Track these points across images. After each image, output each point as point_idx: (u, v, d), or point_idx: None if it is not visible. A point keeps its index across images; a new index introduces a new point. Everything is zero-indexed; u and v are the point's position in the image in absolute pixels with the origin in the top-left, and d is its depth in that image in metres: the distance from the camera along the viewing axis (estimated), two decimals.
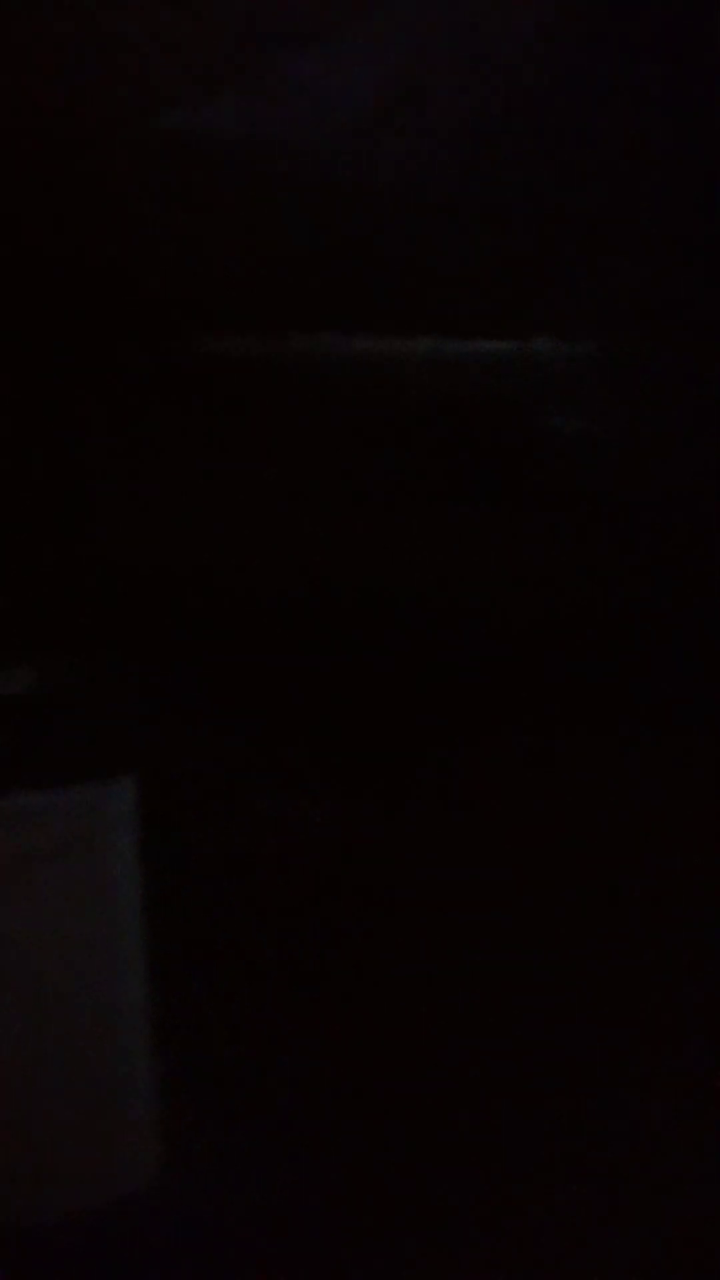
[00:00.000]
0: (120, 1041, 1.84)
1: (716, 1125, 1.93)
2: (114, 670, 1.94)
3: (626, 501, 2.45)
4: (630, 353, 2.47)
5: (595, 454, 2.48)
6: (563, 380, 2.49)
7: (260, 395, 2.37)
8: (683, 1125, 1.93)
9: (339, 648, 2.32)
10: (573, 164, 2.30)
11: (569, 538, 2.43)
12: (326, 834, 2.17)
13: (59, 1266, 1.77)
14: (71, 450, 2.28)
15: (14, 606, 2.08)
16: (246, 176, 2.18)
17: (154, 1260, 1.80)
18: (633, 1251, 1.78)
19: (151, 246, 2.25)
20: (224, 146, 2.16)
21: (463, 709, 2.35)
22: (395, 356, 2.41)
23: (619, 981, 2.09)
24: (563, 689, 2.36)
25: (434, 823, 2.23)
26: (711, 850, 2.20)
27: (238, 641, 2.24)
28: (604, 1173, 1.89)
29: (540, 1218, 1.83)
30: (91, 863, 1.80)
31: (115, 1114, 1.84)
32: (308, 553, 2.37)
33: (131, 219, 2.21)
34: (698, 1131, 1.92)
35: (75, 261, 2.21)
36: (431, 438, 2.43)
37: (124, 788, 1.81)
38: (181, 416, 2.34)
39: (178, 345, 2.33)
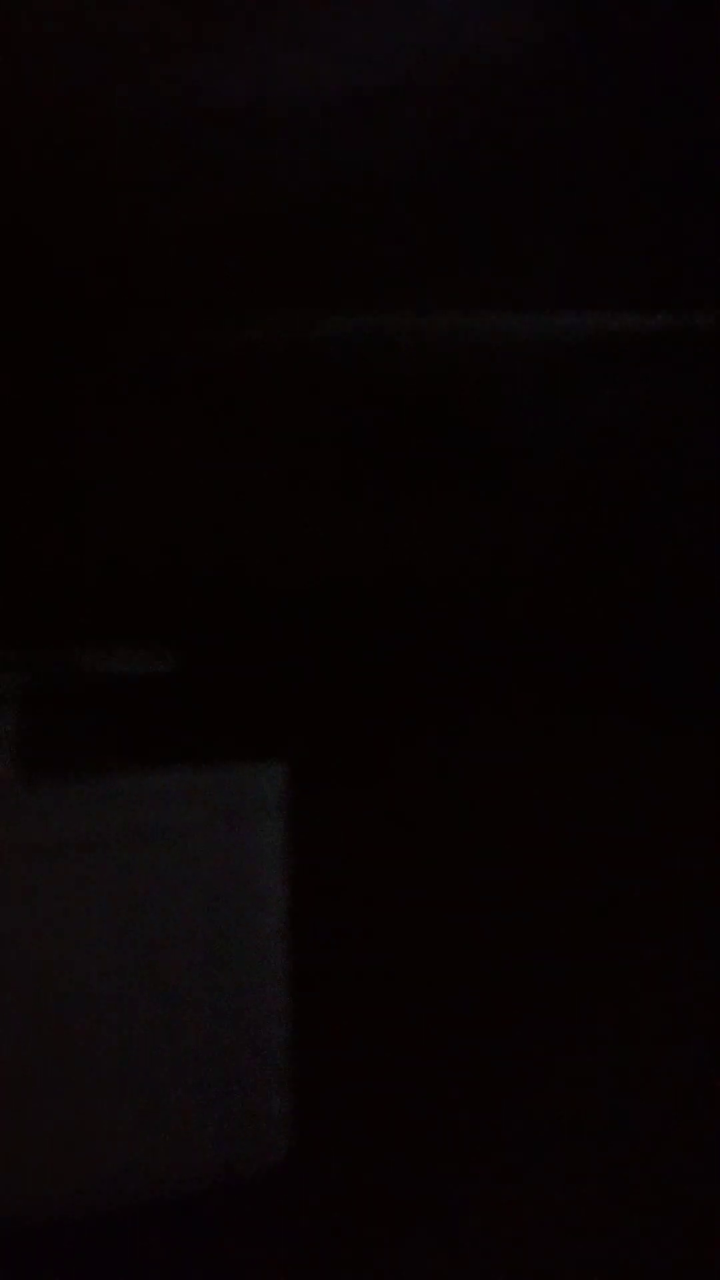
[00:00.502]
0: (253, 1012, 1.85)
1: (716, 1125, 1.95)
2: (266, 657, 1.93)
3: (648, 484, 2.45)
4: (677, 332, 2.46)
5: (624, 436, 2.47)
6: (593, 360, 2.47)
7: (319, 375, 2.34)
8: (683, 1125, 1.96)
9: (462, 638, 2.32)
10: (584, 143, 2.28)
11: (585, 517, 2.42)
12: (469, 820, 2.18)
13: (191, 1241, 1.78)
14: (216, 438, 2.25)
15: (165, 589, 2.07)
16: (252, 156, 2.14)
17: (282, 1236, 1.81)
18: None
19: (158, 231, 2.21)
20: (229, 127, 2.12)
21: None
22: (414, 334, 2.38)
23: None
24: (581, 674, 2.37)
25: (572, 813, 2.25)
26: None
27: (384, 631, 2.23)
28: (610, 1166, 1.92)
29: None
30: (239, 839, 1.81)
31: (245, 1080, 1.85)
32: (438, 549, 2.36)
33: (136, 206, 2.17)
34: (698, 1132, 1.95)
35: (75, 245, 2.17)
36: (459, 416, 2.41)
37: (274, 770, 1.80)
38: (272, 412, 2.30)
39: (204, 328, 2.29)
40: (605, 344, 2.46)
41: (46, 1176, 1.78)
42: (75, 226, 2.18)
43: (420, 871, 2.20)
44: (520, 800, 2.29)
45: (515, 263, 2.40)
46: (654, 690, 2.40)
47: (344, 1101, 1.95)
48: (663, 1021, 2.06)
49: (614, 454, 2.45)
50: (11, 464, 2.14)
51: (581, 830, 2.32)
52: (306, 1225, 1.80)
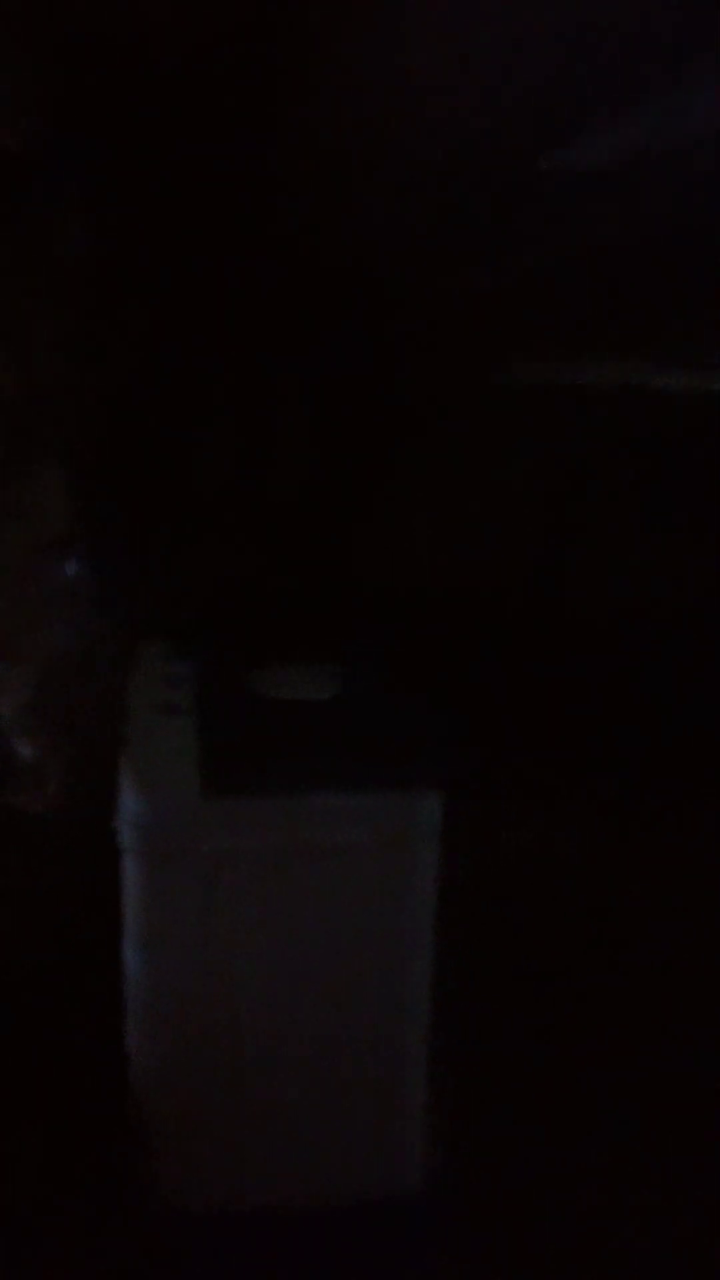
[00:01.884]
0: (400, 1035, 1.91)
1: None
2: (427, 690, 2.00)
3: None
4: None
5: None
6: None
7: (583, 422, 2.40)
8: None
9: (631, 677, 2.35)
10: None
11: None
12: (615, 863, 2.22)
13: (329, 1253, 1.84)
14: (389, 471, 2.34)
15: (324, 617, 2.16)
16: (618, 208, 2.19)
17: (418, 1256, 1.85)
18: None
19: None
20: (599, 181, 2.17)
21: None
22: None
23: None
24: None
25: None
26: None
27: (546, 670, 2.29)
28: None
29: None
30: (396, 863, 1.87)
31: (389, 1104, 1.91)
32: (613, 581, 2.40)
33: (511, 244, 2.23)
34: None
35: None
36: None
37: (432, 800, 1.87)
38: (500, 440, 2.37)
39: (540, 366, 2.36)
40: None
41: (210, 1174, 1.87)
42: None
43: (573, 904, 2.23)
44: (691, 854, 2.30)
45: None
46: None
47: (480, 1132, 1.99)
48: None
49: None
50: (203, 487, 2.25)
51: None
52: (451, 1245, 1.85)
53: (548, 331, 2.39)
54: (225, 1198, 1.88)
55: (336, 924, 1.87)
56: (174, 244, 2.12)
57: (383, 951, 1.89)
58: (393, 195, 2.11)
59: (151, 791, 1.82)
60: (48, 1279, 1.76)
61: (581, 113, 2.02)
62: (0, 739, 2.09)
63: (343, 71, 1.93)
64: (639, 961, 2.20)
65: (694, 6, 1.88)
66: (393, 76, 1.89)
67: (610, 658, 2.35)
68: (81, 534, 2.06)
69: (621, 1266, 1.82)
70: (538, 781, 2.26)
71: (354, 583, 2.28)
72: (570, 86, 1.97)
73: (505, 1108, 2.03)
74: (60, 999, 2.00)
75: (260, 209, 2.13)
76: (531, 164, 2.13)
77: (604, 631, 2.38)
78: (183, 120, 1.97)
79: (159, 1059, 1.87)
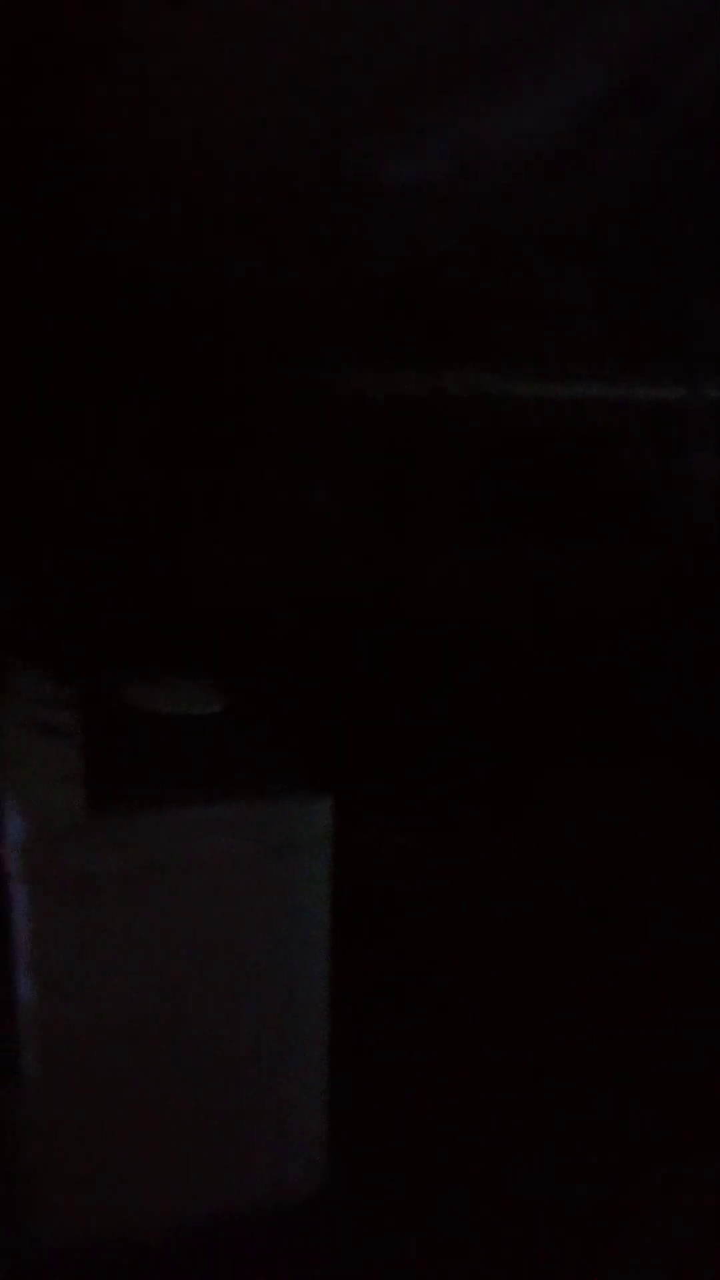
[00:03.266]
0: (294, 1048, 1.91)
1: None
2: (309, 696, 2.00)
3: None
4: None
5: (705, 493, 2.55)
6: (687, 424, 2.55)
7: (422, 431, 2.43)
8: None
9: (511, 674, 2.37)
10: None
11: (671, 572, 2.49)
12: (508, 859, 2.23)
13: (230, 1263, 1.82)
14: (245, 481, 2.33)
15: (205, 631, 2.15)
16: (408, 222, 2.22)
17: (318, 1263, 1.85)
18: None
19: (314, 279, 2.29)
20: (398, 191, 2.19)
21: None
22: (544, 398, 2.47)
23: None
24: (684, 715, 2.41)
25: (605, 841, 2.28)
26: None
27: (427, 668, 2.30)
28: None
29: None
30: (286, 871, 1.87)
31: (284, 1109, 1.91)
32: (468, 584, 2.43)
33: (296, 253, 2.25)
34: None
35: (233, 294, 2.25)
36: (570, 478, 2.49)
37: (320, 806, 1.87)
38: (347, 450, 2.39)
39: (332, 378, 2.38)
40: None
41: (101, 1198, 1.85)
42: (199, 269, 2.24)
43: (459, 907, 2.24)
44: (567, 842, 2.33)
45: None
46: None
47: (381, 1130, 1.99)
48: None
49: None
50: (68, 502, 2.23)
51: (628, 873, 2.35)
52: (341, 1253, 1.84)
53: (387, 341, 2.40)
54: (115, 1220, 1.86)
55: (228, 936, 1.85)
56: None
57: (275, 961, 1.88)
58: (217, 202, 2.10)
59: (35, 814, 1.79)
60: None
61: (410, 123, 2.04)
62: None
63: (164, 79, 1.92)
64: (527, 962, 2.22)
65: (518, 21, 1.91)
66: (214, 82, 1.89)
67: (456, 664, 2.37)
68: None
69: (515, 1273, 1.83)
70: (423, 786, 2.27)
71: (215, 596, 2.27)
72: (398, 97, 1.99)
73: (401, 1115, 2.03)
74: None
75: (80, 215, 2.11)
76: (361, 173, 2.15)
77: (449, 638, 2.41)
78: None
79: (50, 1084, 1.84)
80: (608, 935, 2.26)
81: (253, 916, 1.86)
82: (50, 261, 2.15)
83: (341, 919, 1.88)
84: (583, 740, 2.43)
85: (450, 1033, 2.12)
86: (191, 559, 2.28)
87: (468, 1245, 1.85)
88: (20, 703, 2.06)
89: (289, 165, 2.07)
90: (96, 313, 2.21)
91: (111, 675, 2.09)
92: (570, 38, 2.06)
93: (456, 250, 2.25)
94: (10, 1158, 1.83)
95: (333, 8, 1.89)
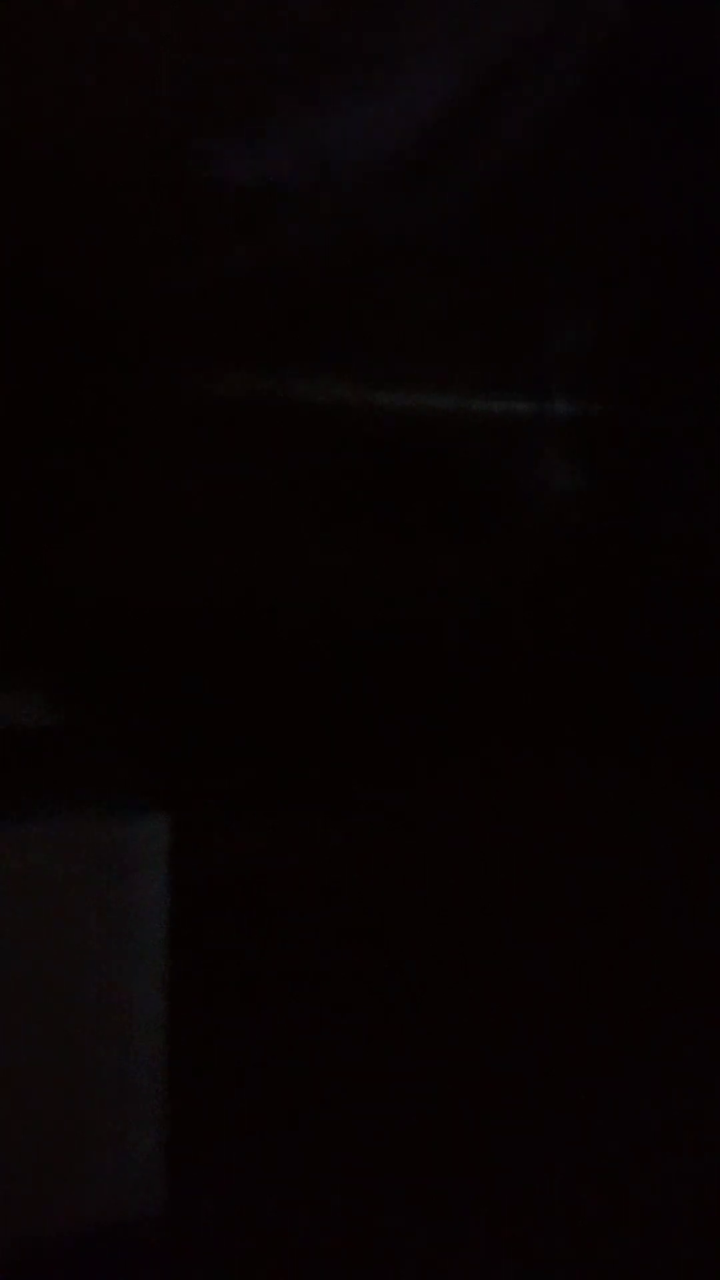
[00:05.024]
0: (131, 1070, 1.87)
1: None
2: (141, 706, 1.97)
3: (609, 552, 2.52)
4: (617, 413, 2.54)
5: (577, 508, 2.55)
6: (548, 438, 2.56)
7: (268, 437, 2.41)
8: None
9: (347, 682, 2.37)
10: (572, 223, 2.36)
11: (550, 586, 2.49)
12: (351, 870, 2.21)
13: None
14: (92, 481, 2.30)
15: (34, 640, 2.11)
16: (253, 223, 2.21)
17: None
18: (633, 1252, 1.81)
19: (160, 286, 2.27)
20: (238, 192, 2.18)
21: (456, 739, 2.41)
22: (384, 407, 2.47)
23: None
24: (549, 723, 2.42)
25: (448, 846, 2.28)
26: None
27: (263, 678, 2.28)
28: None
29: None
30: (118, 891, 1.83)
31: (122, 1142, 1.87)
32: (313, 591, 2.42)
33: (139, 254, 2.23)
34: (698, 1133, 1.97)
35: (76, 295, 2.23)
36: (418, 488, 2.49)
37: (156, 820, 1.83)
38: (186, 454, 2.37)
39: (178, 383, 2.36)
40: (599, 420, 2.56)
41: None
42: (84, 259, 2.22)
43: (300, 919, 2.23)
44: (414, 849, 2.33)
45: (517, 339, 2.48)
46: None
47: (221, 1152, 1.97)
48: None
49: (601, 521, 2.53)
50: None
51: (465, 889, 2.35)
52: (180, 1276, 1.81)
53: (251, 346, 2.38)
54: None
55: (60, 955, 1.81)
56: None
57: (109, 981, 1.83)
58: (50, 200, 2.07)
59: None
60: None
61: (255, 122, 2.02)
62: None
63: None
64: (377, 973, 2.21)
65: (369, 21, 1.89)
66: (47, 77, 1.86)
67: (302, 673, 2.36)
68: None
69: None
70: (264, 796, 2.25)
71: (58, 602, 2.24)
72: (244, 94, 1.97)
73: (243, 1135, 2.01)
74: None
75: None
76: (204, 172, 2.12)
77: (295, 646, 2.40)
78: None
79: None
80: (458, 939, 2.25)
81: (86, 935, 1.81)
82: None
83: (183, 935, 1.85)
84: (435, 744, 2.42)
85: (295, 1050, 2.10)
86: (24, 564, 2.25)
87: (310, 1266, 1.83)
88: None
89: (128, 161, 2.04)
90: None
91: None
92: (422, 40, 2.05)
93: (308, 254, 2.23)
94: None
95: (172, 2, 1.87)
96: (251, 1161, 1.96)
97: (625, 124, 2.26)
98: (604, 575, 2.52)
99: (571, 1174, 1.94)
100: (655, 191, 2.31)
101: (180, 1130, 1.86)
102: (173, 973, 1.82)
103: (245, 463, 2.38)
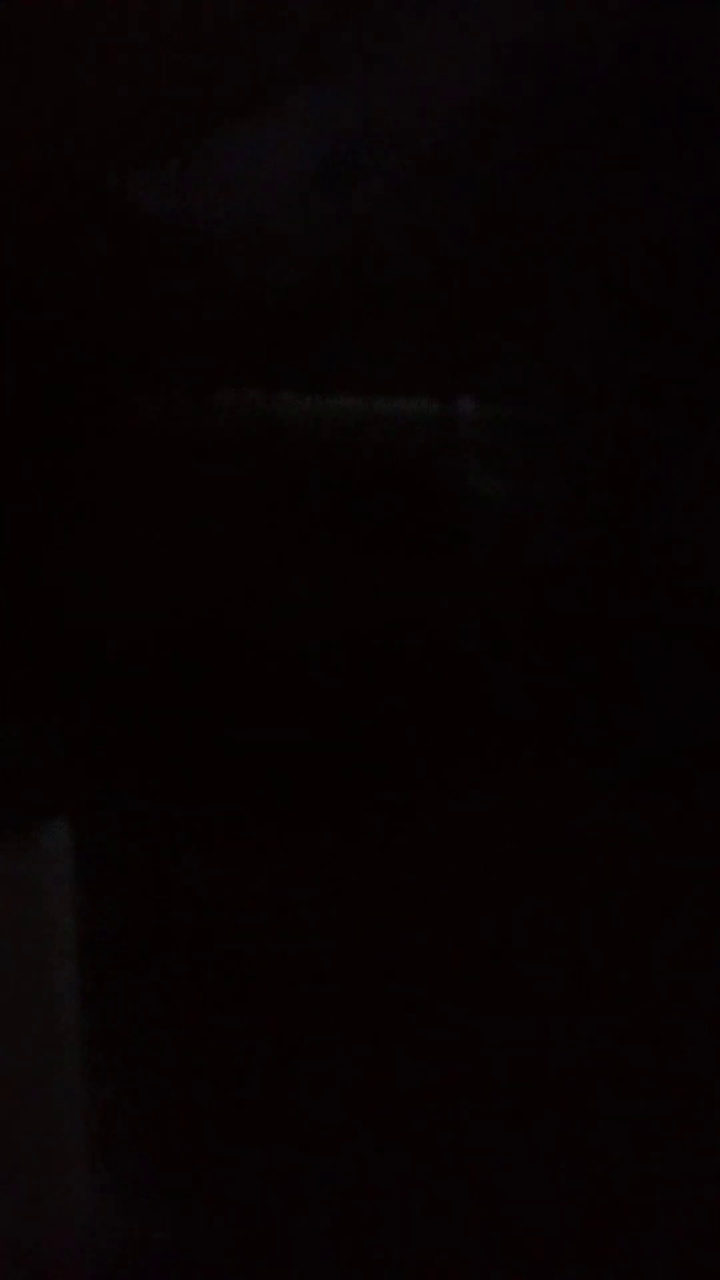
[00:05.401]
0: (49, 1082, 1.85)
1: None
2: (39, 711, 1.95)
3: (541, 563, 2.52)
4: (552, 418, 2.55)
5: (513, 516, 2.55)
6: (483, 443, 2.56)
7: (198, 447, 2.41)
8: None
9: (268, 692, 2.36)
10: (502, 228, 2.36)
11: (486, 596, 2.49)
12: (264, 873, 2.19)
13: None
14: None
15: None
16: (179, 244, 2.21)
17: None
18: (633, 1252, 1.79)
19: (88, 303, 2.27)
20: (157, 215, 2.19)
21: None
22: (322, 415, 2.47)
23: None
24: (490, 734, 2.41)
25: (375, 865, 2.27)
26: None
27: (166, 681, 2.27)
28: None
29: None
30: (23, 902, 1.81)
31: (42, 1161, 1.85)
32: (233, 600, 2.41)
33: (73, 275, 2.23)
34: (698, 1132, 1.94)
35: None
36: (349, 495, 2.48)
37: (56, 828, 1.82)
38: (117, 465, 2.37)
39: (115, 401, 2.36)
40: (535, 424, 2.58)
41: None
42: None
43: (215, 923, 2.21)
44: (348, 862, 2.31)
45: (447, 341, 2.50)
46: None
47: (145, 1169, 1.94)
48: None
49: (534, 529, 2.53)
50: None
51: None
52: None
53: (182, 362, 2.38)
54: None
55: None
56: None
57: (21, 988, 1.83)
58: None
59: None
60: None
61: (165, 147, 2.03)
62: None
63: None
64: (292, 981, 2.18)
65: (275, 52, 1.90)
66: None
67: (237, 682, 2.35)
68: None
69: None
70: (168, 802, 2.23)
71: None
72: (156, 123, 1.97)
73: (173, 1145, 1.98)
74: None
75: None
76: (121, 196, 2.13)
77: (226, 655, 2.39)
78: None
79: None
80: (386, 950, 2.23)
81: None
82: None
83: (100, 942, 1.84)
84: (372, 757, 2.41)
85: (213, 1053, 2.08)
86: None
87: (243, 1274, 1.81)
88: None
89: (48, 190, 2.05)
90: None
91: None
92: (331, 70, 2.07)
93: (239, 268, 2.24)
94: None
95: (80, 31, 1.87)
96: (174, 1167, 1.94)
97: (568, 135, 2.27)
98: (562, 583, 2.52)
99: (549, 1189, 1.93)
100: (608, 197, 2.33)
101: (110, 1140, 1.85)
102: (82, 977, 1.81)
103: (195, 474, 2.39)
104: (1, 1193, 1.83)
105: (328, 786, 2.37)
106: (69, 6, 1.92)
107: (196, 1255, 1.83)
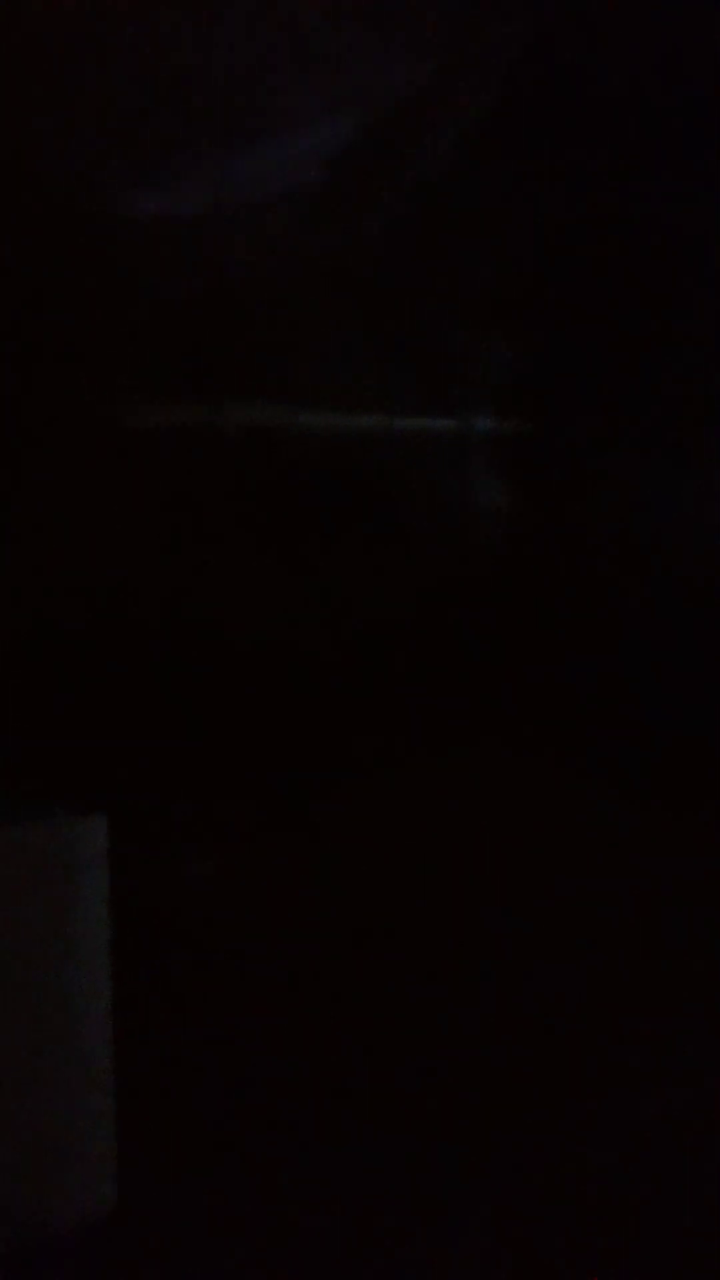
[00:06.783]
0: (79, 1070, 1.86)
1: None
2: (82, 712, 1.96)
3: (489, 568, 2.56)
4: (498, 431, 2.59)
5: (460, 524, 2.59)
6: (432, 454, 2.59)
7: (188, 458, 2.41)
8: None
9: (284, 691, 2.38)
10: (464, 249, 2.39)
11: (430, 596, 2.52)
12: (288, 869, 2.22)
13: None
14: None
15: None
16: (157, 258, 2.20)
17: None
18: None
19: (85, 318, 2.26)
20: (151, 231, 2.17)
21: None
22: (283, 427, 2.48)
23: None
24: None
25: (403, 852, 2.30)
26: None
27: (201, 686, 2.28)
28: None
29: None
30: (63, 893, 1.82)
31: (71, 1146, 1.86)
32: (243, 605, 2.42)
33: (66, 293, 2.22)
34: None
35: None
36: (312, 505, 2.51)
37: (96, 824, 1.83)
38: (116, 476, 2.36)
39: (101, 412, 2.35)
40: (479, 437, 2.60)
41: None
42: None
43: (251, 927, 2.23)
44: (358, 860, 2.34)
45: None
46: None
47: (170, 1153, 1.96)
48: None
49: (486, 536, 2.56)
50: None
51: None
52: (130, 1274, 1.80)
53: (172, 374, 2.38)
54: None
55: (6, 962, 1.80)
56: None
57: (52, 985, 1.83)
58: None
59: None
60: None
61: (160, 158, 2.02)
62: None
63: None
64: (320, 980, 2.22)
65: (270, 60, 1.91)
66: None
67: (238, 688, 2.37)
68: None
69: None
70: (205, 802, 2.25)
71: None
72: (148, 132, 1.97)
73: (191, 1137, 2.01)
74: None
75: None
76: (114, 205, 2.12)
77: (233, 659, 2.41)
78: None
79: None
80: (406, 956, 2.27)
81: (29, 939, 1.81)
82: None
83: (129, 940, 1.85)
84: (377, 758, 2.44)
85: (241, 1054, 2.11)
86: None
87: (258, 1269, 1.83)
88: None
89: (35, 197, 2.04)
90: None
91: None
92: (323, 78, 2.07)
93: (225, 284, 2.24)
94: None
95: (70, 39, 1.86)
96: (198, 1157, 1.96)
97: (533, 155, 2.30)
98: (529, 589, 2.56)
99: (541, 1189, 1.96)
100: (573, 216, 2.37)
101: (128, 1127, 1.86)
102: (116, 968, 1.82)
103: (184, 489, 2.39)
104: (32, 1184, 1.84)
105: (327, 786, 2.40)
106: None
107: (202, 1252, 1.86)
